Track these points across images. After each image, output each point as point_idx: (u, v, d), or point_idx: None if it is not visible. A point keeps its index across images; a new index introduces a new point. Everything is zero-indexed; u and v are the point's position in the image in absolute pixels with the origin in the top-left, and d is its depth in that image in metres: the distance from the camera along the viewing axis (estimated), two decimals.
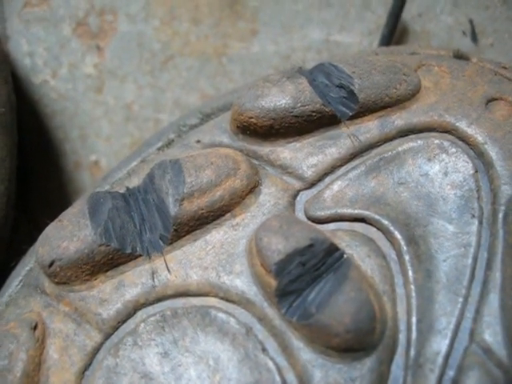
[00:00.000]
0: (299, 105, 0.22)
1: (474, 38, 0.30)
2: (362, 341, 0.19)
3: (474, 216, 0.21)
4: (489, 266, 0.20)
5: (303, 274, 0.19)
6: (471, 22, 0.30)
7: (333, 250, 0.20)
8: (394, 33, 0.29)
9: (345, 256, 0.20)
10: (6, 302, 0.24)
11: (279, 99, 0.22)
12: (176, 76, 0.31)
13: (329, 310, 0.19)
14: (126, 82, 0.31)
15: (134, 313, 0.21)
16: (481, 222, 0.21)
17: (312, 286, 0.19)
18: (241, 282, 0.21)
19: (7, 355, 0.21)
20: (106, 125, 0.31)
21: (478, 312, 0.20)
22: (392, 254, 0.21)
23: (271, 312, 0.20)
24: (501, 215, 0.21)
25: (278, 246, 0.19)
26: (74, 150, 0.32)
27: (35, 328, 0.21)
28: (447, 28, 0.30)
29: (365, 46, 0.30)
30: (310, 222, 0.22)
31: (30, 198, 0.32)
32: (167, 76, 0.31)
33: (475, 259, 0.20)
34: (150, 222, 0.22)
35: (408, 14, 0.30)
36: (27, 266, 0.24)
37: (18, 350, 0.21)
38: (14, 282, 0.24)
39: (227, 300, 0.21)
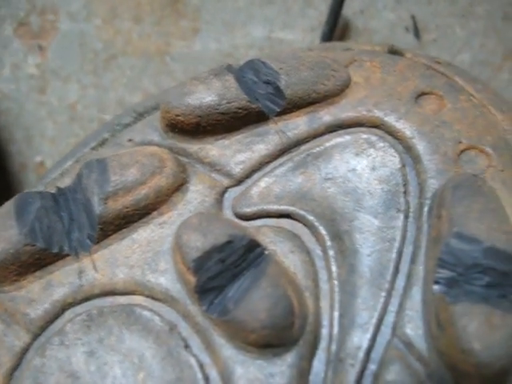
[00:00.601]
0: (225, 101, 0.22)
1: (417, 33, 0.30)
2: (280, 336, 0.19)
3: (399, 210, 0.21)
4: (413, 260, 0.20)
5: (223, 270, 0.19)
6: (413, 18, 0.31)
7: (253, 246, 0.20)
8: (335, 30, 0.29)
9: (266, 252, 0.20)
10: None
11: (205, 96, 0.22)
12: (119, 75, 0.31)
13: (245, 306, 0.19)
14: (69, 81, 0.31)
15: (62, 312, 0.21)
16: (407, 217, 0.21)
17: (232, 283, 0.19)
18: (165, 279, 0.21)
19: None
20: (51, 125, 0.31)
21: (401, 306, 0.20)
22: (317, 250, 0.21)
23: (194, 309, 0.20)
24: (426, 209, 0.21)
25: (197, 243, 0.19)
26: (20, 151, 0.32)
27: None
28: (389, 24, 0.31)
29: (307, 43, 0.30)
30: (237, 219, 0.22)
31: None
32: (110, 75, 0.31)
33: (400, 253, 0.21)
34: (78, 221, 0.22)
35: (350, 10, 0.30)
36: None
37: None
38: None
39: (152, 298, 0.21)
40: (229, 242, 0.19)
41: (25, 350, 0.21)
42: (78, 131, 0.31)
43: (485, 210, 0.20)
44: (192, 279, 0.19)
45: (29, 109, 0.32)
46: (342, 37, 0.30)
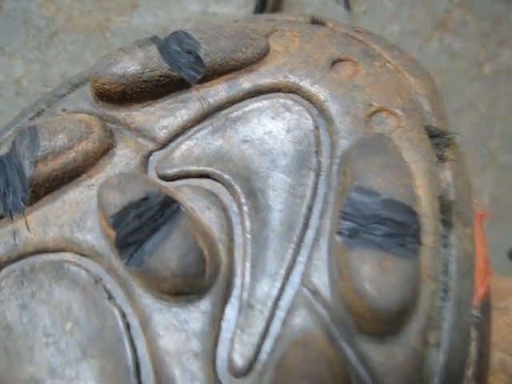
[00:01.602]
0: (147, 70, 0.23)
1: (347, 5, 0.32)
2: (191, 284, 0.20)
3: (310, 169, 0.22)
4: (322, 215, 0.22)
5: (141, 226, 0.21)
6: None
7: (169, 202, 0.21)
8: (266, 3, 0.30)
9: (181, 208, 0.21)
10: None
11: (129, 66, 0.24)
12: (62, 50, 0.32)
13: (157, 257, 0.20)
14: (14, 57, 0.32)
15: None
16: (318, 175, 0.22)
17: (150, 237, 0.21)
18: (91, 236, 0.22)
19: None
20: None
21: (309, 257, 0.21)
22: (233, 207, 0.22)
23: (117, 263, 0.21)
24: (335, 167, 0.22)
25: (115, 200, 0.21)
26: None
27: None
28: None
29: (241, 17, 0.31)
30: (159, 180, 0.23)
31: None
32: (53, 51, 0.32)
33: (310, 209, 0.22)
34: (13, 185, 0.23)
35: None
36: None
37: None
38: None
39: (80, 254, 0.22)
40: (145, 199, 0.21)
41: None
42: (24, 105, 0.32)
43: (386, 166, 0.21)
44: (112, 234, 0.21)
45: None
46: (275, 10, 0.31)
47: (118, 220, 0.20)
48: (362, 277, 0.19)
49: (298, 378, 0.18)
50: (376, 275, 0.19)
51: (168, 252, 0.20)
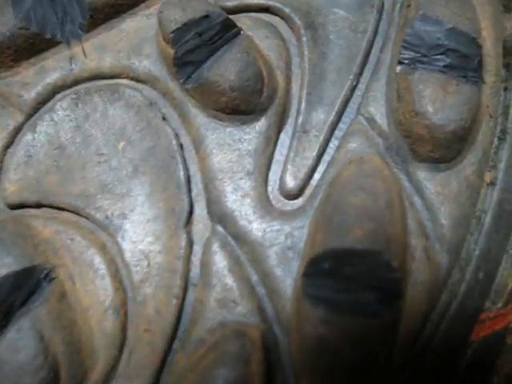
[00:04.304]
0: None
1: None
2: (248, 101, 0.20)
3: (373, 6, 0.22)
4: (382, 50, 0.21)
5: (200, 45, 0.20)
6: None
7: (230, 24, 0.21)
8: None
9: (242, 33, 0.21)
10: None
11: None
12: None
13: (216, 69, 0.20)
14: None
15: (53, 95, 0.23)
16: (380, 12, 0.22)
17: (209, 58, 0.20)
18: (148, 62, 0.22)
19: None
20: None
21: (367, 89, 0.21)
22: (292, 40, 0.22)
23: (173, 85, 0.21)
24: (398, 5, 0.22)
25: (175, 16, 0.20)
26: None
27: None
28: None
29: None
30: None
31: None
32: None
33: (370, 43, 0.22)
34: (71, 14, 0.23)
35: None
36: None
37: None
38: None
39: (136, 80, 0.22)
40: (206, 17, 0.20)
41: (18, 130, 0.23)
42: None
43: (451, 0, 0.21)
44: (171, 52, 0.20)
45: None
46: None
47: (177, 36, 0.20)
48: (424, 98, 0.19)
49: (353, 190, 0.18)
50: (438, 97, 0.19)
51: (227, 64, 0.20)
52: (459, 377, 0.19)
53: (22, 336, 0.18)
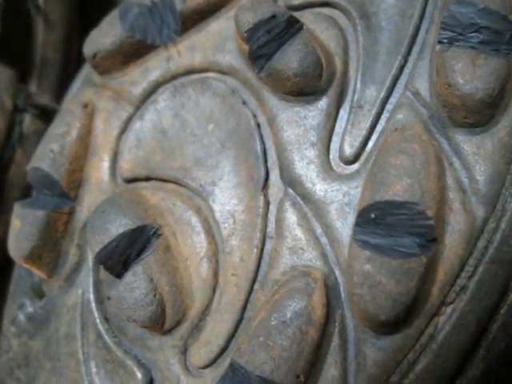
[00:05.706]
0: None
1: None
2: (310, 84, 0.24)
3: None
4: (427, 32, 0.25)
5: (269, 40, 0.24)
6: None
7: (293, 21, 0.25)
8: None
9: (304, 27, 0.25)
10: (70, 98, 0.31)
11: None
12: None
13: (281, 60, 0.24)
14: None
15: (156, 89, 0.28)
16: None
17: (277, 51, 0.24)
18: (230, 56, 0.27)
19: (66, 123, 0.28)
20: None
21: (414, 67, 0.24)
22: (349, 29, 0.26)
23: (250, 75, 0.26)
24: None
25: (248, 19, 0.24)
26: None
27: (86, 106, 0.29)
28: None
29: None
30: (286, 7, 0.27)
31: None
32: None
33: (417, 27, 0.25)
34: (167, 22, 0.28)
35: None
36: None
37: (73, 120, 0.28)
38: (75, 85, 0.32)
39: (221, 72, 0.27)
40: (273, 17, 0.24)
41: (129, 119, 0.28)
42: None
43: None
44: (246, 48, 0.25)
45: None
46: None
47: (250, 35, 0.24)
48: (455, 72, 0.22)
49: (394, 154, 0.21)
50: (468, 70, 0.22)
51: (290, 55, 0.24)
52: (501, 319, 0.22)
53: (136, 279, 0.24)
